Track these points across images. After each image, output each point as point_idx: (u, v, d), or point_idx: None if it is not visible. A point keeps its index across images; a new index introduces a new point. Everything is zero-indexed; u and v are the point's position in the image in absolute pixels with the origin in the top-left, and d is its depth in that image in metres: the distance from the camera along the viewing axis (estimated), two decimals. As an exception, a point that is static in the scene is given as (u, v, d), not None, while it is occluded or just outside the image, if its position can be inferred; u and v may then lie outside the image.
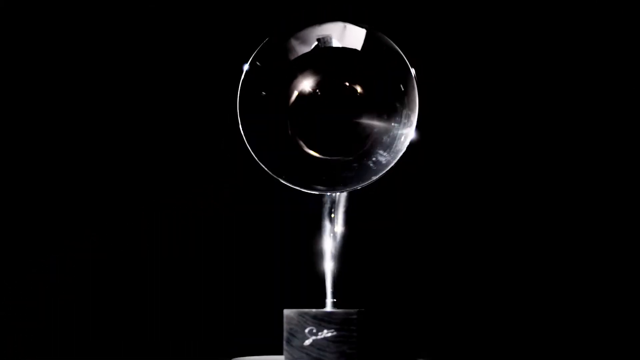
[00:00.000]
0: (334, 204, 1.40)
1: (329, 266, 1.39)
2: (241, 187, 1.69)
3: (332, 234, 1.39)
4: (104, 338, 1.66)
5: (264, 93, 1.36)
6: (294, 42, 1.37)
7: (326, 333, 1.29)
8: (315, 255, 1.42)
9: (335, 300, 1.37)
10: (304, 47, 1.38)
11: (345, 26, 1.37)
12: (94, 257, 1.68)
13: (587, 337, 1.61)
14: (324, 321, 1.29)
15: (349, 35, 1.38)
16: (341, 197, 1.40)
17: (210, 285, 1.68)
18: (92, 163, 1.69)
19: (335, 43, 1.38)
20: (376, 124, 1.38)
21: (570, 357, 1.61)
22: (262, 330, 1.61)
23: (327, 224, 1.40)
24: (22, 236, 1.67)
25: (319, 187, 1.36)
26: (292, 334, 1.30)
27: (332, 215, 1.40)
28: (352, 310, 1.31)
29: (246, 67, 1.37)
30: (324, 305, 1.37)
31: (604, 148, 1.66)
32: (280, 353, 1.39)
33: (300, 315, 1.30)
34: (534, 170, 1.67)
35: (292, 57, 1.38)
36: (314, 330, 1.29)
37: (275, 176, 1.36)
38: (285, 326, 1.30)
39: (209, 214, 1.69)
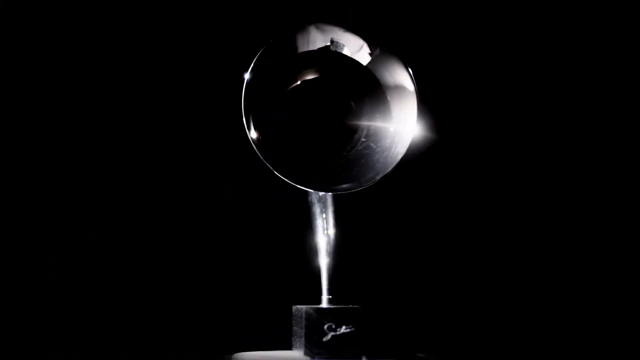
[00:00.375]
0: (321, 202, 1.43)
1: (324, 265, 1.42)
2: (241, 187, 1.70)
3: (325, 233, 1.42)
4: (104, 337, 1.66)
5: (247, 78, 1.38)
6: (314, 32, 1.40)
7: (345, 329, 1.32)
8: (312, 254, 1.45)
9: (330, 297, 1.40)
10: (320, 43, 1.41)
11: (362, 45, 1.41)
12: (94, 257, 1.68)
13: (585, 336, 1.65)
14: (342, 317, 1.32)
15: (361, 53, 1.41)
16: (328, 196, 1.44)
17: (209, 284, 1.69)
18: (92, 163, 1.69)
19: (345, 51, 1.42)
20: (370, 124, 1.42)
21: (569, 354, 1.65)
22: (261, 327, 1.63)
23: (321, 223, 1.43)
24: (22, 236, 1.66)
25: (344, 186, 1.39)
26: (311, 330, 1.32)
27: (324, 216, 1.43)
28: (369, 307, 1.34)
29: (247, 75, 1.39)
30: (320, 302, 1.40)
31: (603, 147, 1.70)
32: (279, 348, 1.42)
33: (320, 311, 1.33)
34: (531, 170, 1.71)
35: (306, 45, 1.41)
36: (333, 326, 1.32)
37: (296, 184, 1.39)
38: (304, 322, 1.33)
39: (209, 214, 1.70)
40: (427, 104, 1.43)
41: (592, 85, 1.72)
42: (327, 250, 1.43)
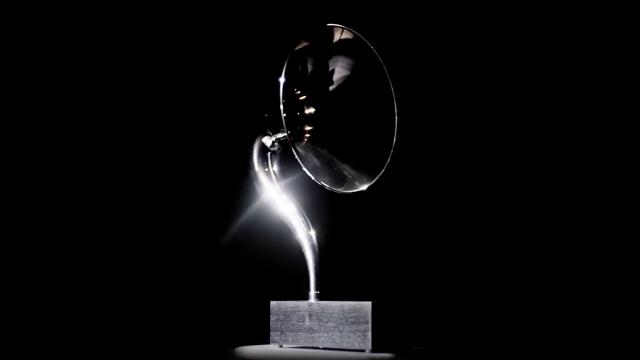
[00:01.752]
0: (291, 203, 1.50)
1: (310, 261, 1.49)
2: (241, 187, 1.72)
3: (308, 232, 1.49)
4: (104, 335, 1.64)
5: (281, 80, 1.42)
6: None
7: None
8: (303, 254, 1.51)
9: (318, 292, 1.48)
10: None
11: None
12: (94, 257, 1.66)
13: (581, 333, 1.72)
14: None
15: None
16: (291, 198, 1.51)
17: (209, 282, 1.72)
18: (92, 163, 1.68)
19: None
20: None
21: (566, 349, 1.71)
22: (259, 322, 1.65)
23: (301, 223, 1.50)
24: (22, 236, 1.62)
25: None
26: (378, 325, 1.39)
27: (303, 216, 1.50)
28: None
29: (282, 79, 1.42)
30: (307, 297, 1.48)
31: (596, 148, 1.78)
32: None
33: (385, 307, 1.40)
34: (516, 170, 1.80)
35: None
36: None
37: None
38: (370, 318, 1.38)
39: (209, 213, 1.72)
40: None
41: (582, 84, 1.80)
42: (312, 248, 1.49)
